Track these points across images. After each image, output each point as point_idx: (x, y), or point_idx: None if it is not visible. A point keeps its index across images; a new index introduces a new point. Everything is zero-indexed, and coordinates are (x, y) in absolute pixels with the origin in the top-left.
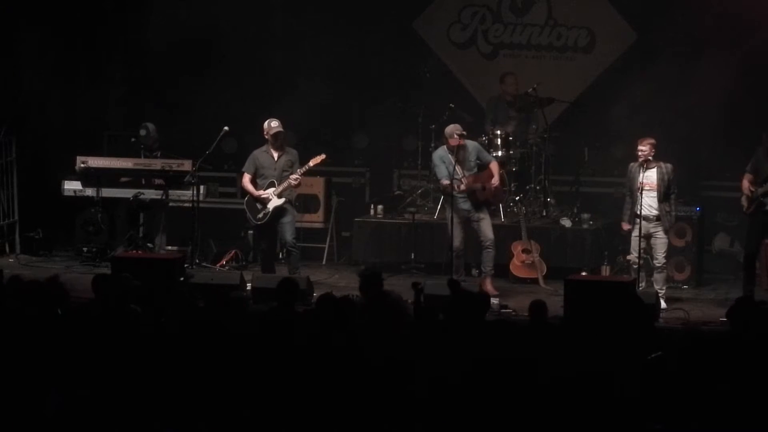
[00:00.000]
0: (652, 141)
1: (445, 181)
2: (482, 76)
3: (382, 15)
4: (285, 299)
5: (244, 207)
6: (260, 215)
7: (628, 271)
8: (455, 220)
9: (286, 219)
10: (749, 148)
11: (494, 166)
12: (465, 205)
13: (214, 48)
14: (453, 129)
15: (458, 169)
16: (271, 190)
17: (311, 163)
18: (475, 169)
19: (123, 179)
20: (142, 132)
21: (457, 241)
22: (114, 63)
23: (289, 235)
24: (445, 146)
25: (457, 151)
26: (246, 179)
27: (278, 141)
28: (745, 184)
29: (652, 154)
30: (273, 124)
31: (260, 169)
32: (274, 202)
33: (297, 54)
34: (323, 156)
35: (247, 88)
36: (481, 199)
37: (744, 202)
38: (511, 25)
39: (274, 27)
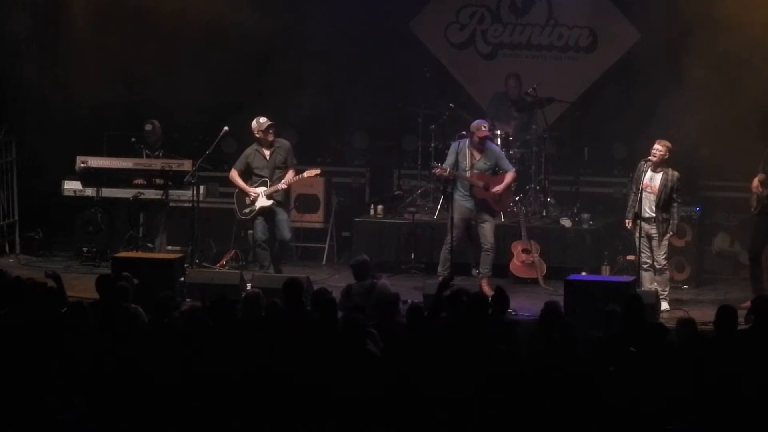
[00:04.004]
0: (668, 144)
1: (443, 166)
2: (481, 76)
3: (382, 14)
4: (290, 299)
5: (234, 199)
6: (246, 210)
7: (628, 271)
8: (455, 216)
9: (281, 217)
10: (749, 148)
11: (508, 176)
12: (468, 203)
13: (213, 47)
14: (480, 123)
15: (470, 164)
16: (261, 189)
17: (305, 175)
18: (490, 172)
19: (135, 182)
20: (148, 127)
21: (451, 236)
22: (113, 62)
23: (286, 232)
24: (468, 140)
25: (480, 148)
26: (234, 173)
27: (271, 135)
28: (754, 182)
29: (666, 157)
30: (262, 120)
31: (254, 169)
32: (261, 202)
33: (296, 54)
34: (318, 170)
35: (246, 88)
36: (478, 196)
37: (753, 201)
38: (511, 25)
39: (274, 27)
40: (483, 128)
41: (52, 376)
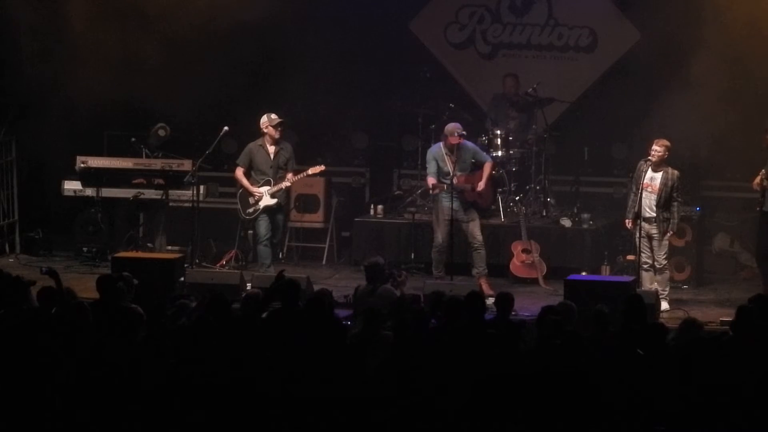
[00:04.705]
0: (667, 143)
1: (431, 180)
2: (481, 76)
3: (382, 15)
4: (287, 299)
5: (237, 199)
6: (250, 210)
7: (628, 271)
8: (440, 217)
9: (278, 219)
10: (749, 148)
11: (487, 168)
12: (454, 204)
13: (213, 47)
14: (454, 127)
15: (451, 167)
16: (265, 189)
17: (309, 172)
18: (469, 170)
19: (135, 181)
20: (161, 132)
21: (440, 238)
22: (113, 62)
23: (279, 235)
24: (441, 144)
25: (455, 150)
26: (239, 172)
27: (279, 132)
28: (756, 179)
29: (665, 156)
30: (273, 116)
31: (256, 165)
32: (266, 201)
33: (297, 54)
34: (322, 167)
35: (246, 88)
36: (470, 199)
37: (760, 197)
38: (511, 25)
39: (274, 27)
40: (456, 134)
41: (51, 377)
